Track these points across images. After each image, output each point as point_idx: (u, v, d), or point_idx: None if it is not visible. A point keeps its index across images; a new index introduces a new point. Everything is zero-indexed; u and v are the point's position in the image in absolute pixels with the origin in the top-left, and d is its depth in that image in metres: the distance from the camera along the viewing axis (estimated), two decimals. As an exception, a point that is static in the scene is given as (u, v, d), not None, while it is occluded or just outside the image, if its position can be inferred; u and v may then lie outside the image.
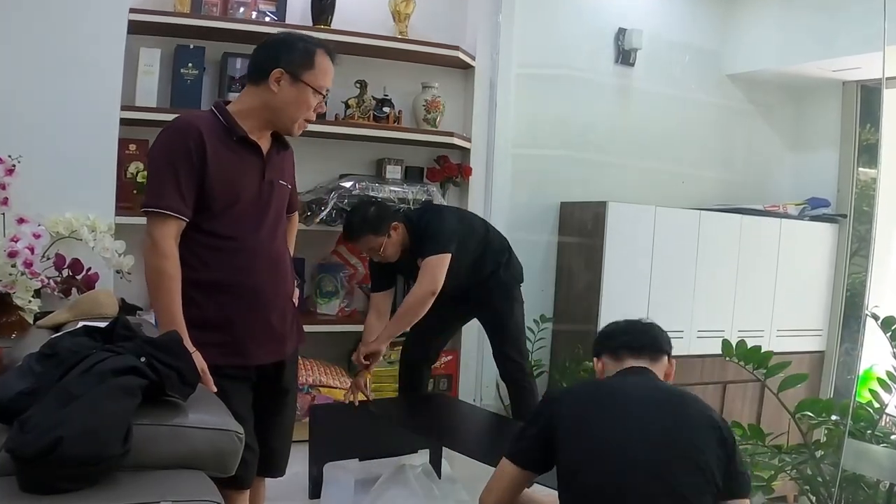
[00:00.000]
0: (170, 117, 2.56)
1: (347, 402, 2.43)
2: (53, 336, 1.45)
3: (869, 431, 2.54)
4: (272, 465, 1.76)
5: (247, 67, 1.68)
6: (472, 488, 2.47)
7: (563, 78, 3.46)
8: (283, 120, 1.63)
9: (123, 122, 2.50)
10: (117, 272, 2.35)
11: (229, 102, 1.68)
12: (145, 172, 2.59)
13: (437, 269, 2.35)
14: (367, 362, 2.44)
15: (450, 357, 3.13)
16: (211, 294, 1.59)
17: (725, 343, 2.50)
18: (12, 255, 2.14)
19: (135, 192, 2.58)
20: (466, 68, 3.20)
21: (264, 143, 1.66)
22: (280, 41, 1.64)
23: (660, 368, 1.54)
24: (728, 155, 3.98)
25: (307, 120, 1.66)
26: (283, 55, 1.60)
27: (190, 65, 2.69)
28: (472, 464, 2.68)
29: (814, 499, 2.53)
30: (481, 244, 2.57)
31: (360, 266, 3.05)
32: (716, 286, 3.45)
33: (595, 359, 1.63)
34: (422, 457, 2.48)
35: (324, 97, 1.66)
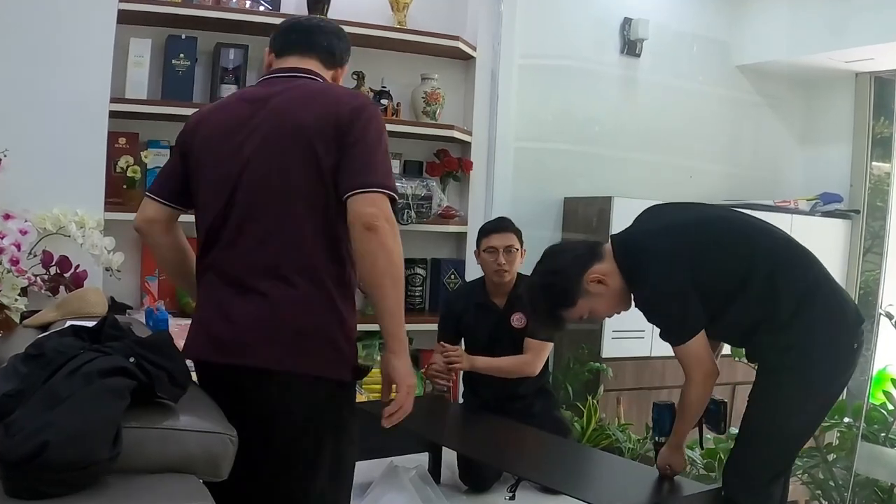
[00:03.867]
0: (161, 110, 2.58)
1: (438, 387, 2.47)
2: (40, 336, 1.42)
3: (883, 434, 2.52)
4: None
5: (310, 39, 1.49)
6: (471, 493, 2.42)
7: (567, 69, 3.41)
8: None
9: (113, 114, 2.46)
10: (106, 270, 2.31)
11: None
12: (136, 167, 2.57)
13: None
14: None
15: (450, 357, 3.07)
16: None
17: (735, 343, 2.44)
18: (-3, 251, 2.08)
19: (125, 186, 2.54)
20: (467, 59, 3.16)
21: None
22: (345, 33, 1.58)
23: None
24: (737, 149, 3.91)
25: None
26: (347, 51, 1.56)
27: (182, 55, 2.64)
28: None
29: (826, 504, 2.47)
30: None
31: (358, 263, 2.99)
32: (724, 284, 3.38)
33: None
34: (420, 460, 2.42)
35: None
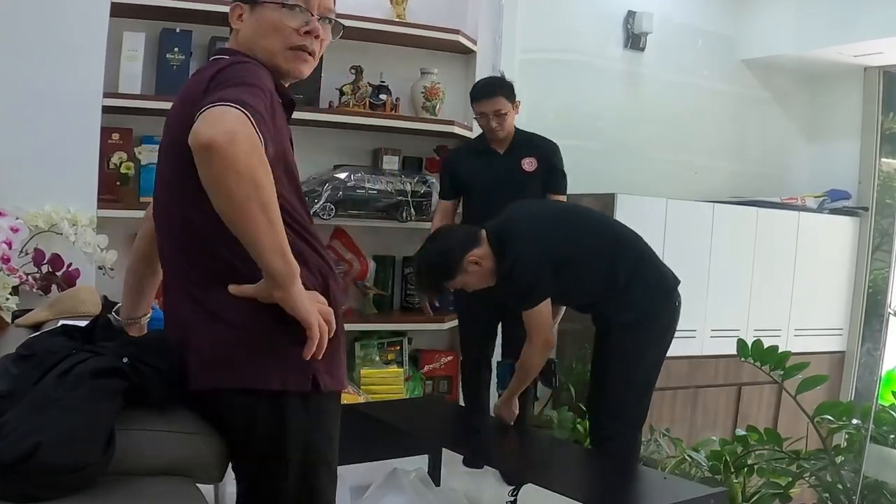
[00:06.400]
0: (155, 105, 2.54)
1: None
2: (32, 336, 1.39)
3: (892, 436, 2.50)
4: None
5: None
6: (472, 496, 2.38)
7: (570, 63, 3.38)
8: (264, 59, 1.20)
9: (106, 109, 2.42)
10: (99, 268, 2.27)
11: None
12: (129, 163, 2.54)
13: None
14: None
15: (450, 358, 3.05)
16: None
17: (741, 343, 2.44)
18: (-12, 249, 2.05)
19: (118, 183, 2.51)
20: (467, 53, 3.12)
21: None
22: None
23: None
24: (743, 145, 3.87)
25: (300, 48, 1.22)
26: None
27: (176, 49, 2.61)
28: (472, 472, 2.60)
29: (834, 507, 2.43)
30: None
31: (356, 262, 2.97)
32: (730, 283, 3.34)
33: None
34: (419, 463, 2.38)
35: (304, 8, 1.21)
